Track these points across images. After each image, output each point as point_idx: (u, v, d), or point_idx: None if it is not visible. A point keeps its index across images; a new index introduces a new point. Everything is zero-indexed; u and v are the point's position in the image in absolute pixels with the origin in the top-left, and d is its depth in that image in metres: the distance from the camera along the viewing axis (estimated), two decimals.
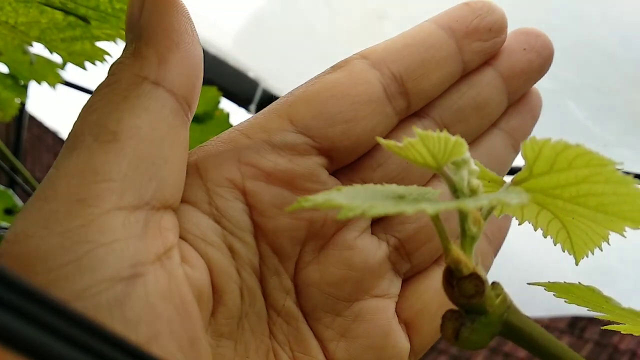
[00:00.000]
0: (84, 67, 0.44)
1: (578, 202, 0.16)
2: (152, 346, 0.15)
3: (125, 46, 0.18)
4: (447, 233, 0.15)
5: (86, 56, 0.42)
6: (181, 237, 0.18)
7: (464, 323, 0.14)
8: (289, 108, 0.20)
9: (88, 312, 0.14)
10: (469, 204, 0.13)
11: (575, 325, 2.05)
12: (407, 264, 0.22)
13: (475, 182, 0.16)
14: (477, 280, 0.14)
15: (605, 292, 0.18)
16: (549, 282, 0.19)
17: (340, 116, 0.20)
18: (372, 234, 0.22)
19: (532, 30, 0.24)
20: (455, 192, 0.15)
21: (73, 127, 0.17)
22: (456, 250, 0.15)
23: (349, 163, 0.21)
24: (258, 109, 0.83)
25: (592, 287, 0.17)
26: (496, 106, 0.24)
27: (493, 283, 0.15)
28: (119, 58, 0.18)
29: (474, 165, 0.16)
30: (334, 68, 0.22)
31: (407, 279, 0.23)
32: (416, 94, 0.22)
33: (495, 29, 0.23)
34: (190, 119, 0.19)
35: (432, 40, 0.22)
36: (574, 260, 0.19)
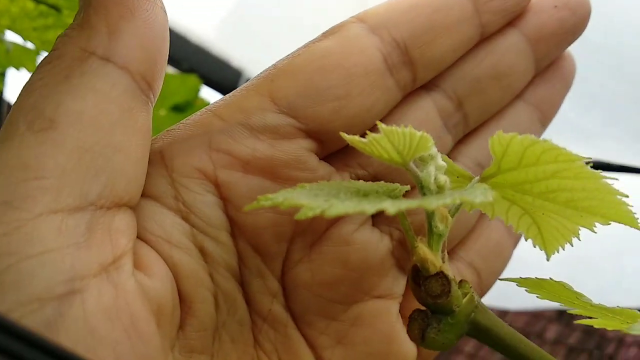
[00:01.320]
0: None
1: (547, 198, 0.16)
2: None
3: (75, 15, 0.16)
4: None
5: None
6: (140, 238, 0.15)
7: (430, 324, 0.14)
8: (270, 84, 0.17)
9: None
10: (432, 203, 0.13)
11: (563, 313, 2.06)
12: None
13: (442, 178, 0.15)
14: (443, 279, 0.14)
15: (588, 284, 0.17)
16: (520, 277, 0.19)
17: (330, 92, 0.17)
18: (372, 226, 0.19)
19: None
20: (422, 188, 0.15)
21: (9, 113, 0.15)
22: (423, 248, 0.15)
23: (343, 147, 0.18)
24: None
25: (563, 283, 0.17)
26: (521, 75, 0.20)
27: (461, 281, 0.15)
28: (65, 30, 0.16)
29: (441, 161, 0.16)
30: (325, 34, 0.18)
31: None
32: (423, 64, 0.19)
33: None
34: (154, 100, 0.16)
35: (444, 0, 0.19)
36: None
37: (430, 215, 0.15)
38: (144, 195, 0.16)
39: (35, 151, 0.14)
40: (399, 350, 0.18)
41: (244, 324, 0.17)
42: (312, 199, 0.13)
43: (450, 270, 0.14)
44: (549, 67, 0.21)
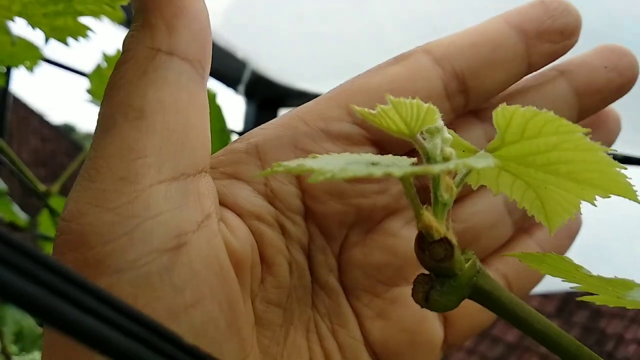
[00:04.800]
0: (66, 43, 0.44)
1: (549, 170, 0.16)
2: (197, 308, 0.16)
3: (134, 17, 0.19)
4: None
5: (69, 32, 0.42)
6: (236, 213, 0.19)
7: (433, 286, 0.15)
8: (348, 98, 0.21)
9: (140, 280, 0.16)
10: (435, 168, 0.13)
11: (563, 309, 2.07)
12: None
13: (448, 150, 0.16)
14: (447, 244, 0.15)
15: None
16: (522, 252, 0.19)
17: None
18: None
19: (618, 47, 0.23)
20: (428, 159, 0.16)
21: (102, 107, 0.18)
22: (428, 215, 0.15)
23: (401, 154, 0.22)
24: (247, 90, 0.83)
25: (564, 257, 0.17)
26: None
27: (464, 249, 0.16)
28: (129, 31, 0.18)
29: (447, 134, 0.16)
30: (397, 60, 0.22)
31: None
32: (476, 93, 0.22)
33: (568, 31, 0.22)
34: (207, 78, 0.19)
35: (500, 40, 0.22)
36: None
37: (435, 184, 0.16)
38: (241, 179, 0.20)
39: (134, 136, 0.17)
40: (427, 330, 0.22)
41: (307, 289, 0.20)
42: (323, 165, 0.14)
43: (454, 237, 0.15)
44: (595, 120, 0.24)
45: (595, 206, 0.17)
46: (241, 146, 0.20)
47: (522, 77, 0.22)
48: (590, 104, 0.23)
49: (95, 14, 0.36)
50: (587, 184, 0.16)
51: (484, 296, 0.15)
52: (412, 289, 0.15)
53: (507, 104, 0.21)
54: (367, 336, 0.21)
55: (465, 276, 0.15)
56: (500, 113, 0.15)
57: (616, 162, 0.15)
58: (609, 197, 0.16)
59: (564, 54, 0.23)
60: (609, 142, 0.24)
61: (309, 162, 0.14)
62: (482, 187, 0.20)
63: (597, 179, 0.16)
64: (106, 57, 0.51)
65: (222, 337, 0.17)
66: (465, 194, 0.23)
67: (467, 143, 0.18)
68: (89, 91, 0.52)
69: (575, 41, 0.23)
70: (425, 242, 0.15)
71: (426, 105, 0.15)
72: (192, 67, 0.18)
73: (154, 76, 0.18)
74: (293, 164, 0.14)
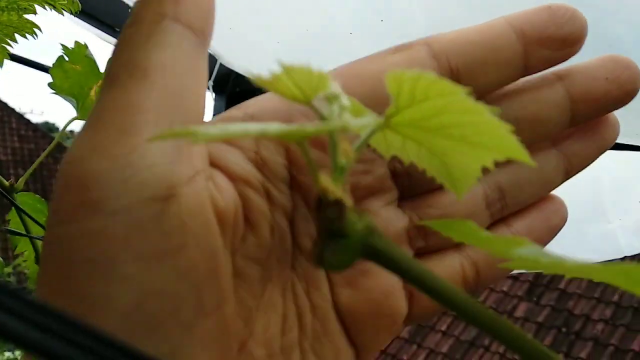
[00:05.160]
0: (14, 40, 0.44)
1: (444, 135, 0.17)
2: (182, 254, 0.17)
3: None
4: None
5: (14, 28, 0.42)
6: (226, 175, 0.20)
7: (327, 246, 0.15)
8: (344, 81, 0.21)
9: (133, 223, 0.17)
10: (307, 128, 0.14)
11: (532, 292, 2.11)
12: (422, 242, 0.24)
13: (347, 116, 0.16)
14: (340, 206, 0.15)
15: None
16: (434, 220, 0.20)
17: (389, 100, 0.22)
18: (398, 207, 0.24)
19: (623, 59, 0.23)
20: None
21: (109, 64, 0.19)
22: (325, 179, 0.16)
23: None
24: (215, 85, 0.83)
25: (471, 223, 0.18)
26: (554, 126, 0.24)
27: (362, 212, 0.16)
28: None
29: (345, 101, 0.17)
30: (397, 49, 0.23)
31: (421, 255, 0.24)
32: (469, 89, 0.22)
33: (571, 40, 0.22)
34: (207, 46, 0.21)
35: (500, 42, 0.22)
36: None
37: (332, 149, 0.16)
38: (233, 145, 0.21)
39: (137, 94, 0.18)
40: (392, 305, 0.23)
41: (288, 252, 0.22)
42: (209, 130, 0.14)
43: (349, 200, 0.16)
44: (592, 125, 0.24)
45: (492, 170, 0.18)
46: (238, 114, 0.22)
47: (517, 79, 0.23)
48: (585, 112, 0.24)
49: (32, 11, 0.36)
50: (480, 146, 0.17)
51: (378, 255, 0.16)
52: (310, 251, 0.16)
53: (500, 105, 0.22)
54: (336, 301, 0.22)
55: (358, 236, 0.15)
56: (392, 78, 0.16)
57: (503, 123, 0.16)
58: (504, 159, 0.17)
59: (564, 60, 0.23)
60: (602, 149, 0.24)
61: (206, 128, 0.14)
62: None
63: (488, 141, 0.16)
64: (66, 50, 0.51)
65: (202, 283, 0.18)
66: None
67: (367, 109, 0.18)
68: (52, 85, 0.52)
69: (578, 49, 0.23)
70: (322, 204, 0.16)
71: (317, 70, 0.15)
72: (194, 35, 0.20)
73: (158, 39, 0.19)
74: (186, 130, 0.14)
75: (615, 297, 1.99)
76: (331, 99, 0.16)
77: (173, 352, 0.17)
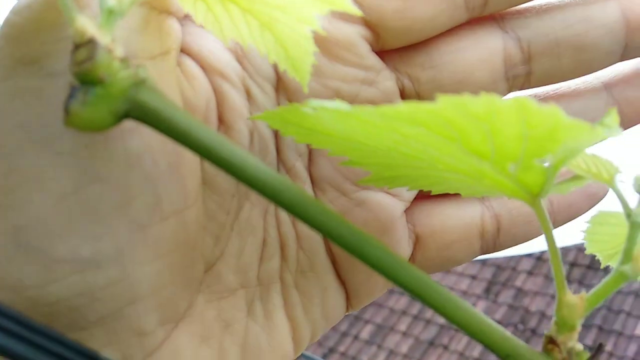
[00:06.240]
0: None
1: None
2: (134, 133, 0.15)
3: None
4: None
5: None
6: (199, 64, 0.17)
7: (74, 95, 0.12)
8: None
9: None
10: None
11: (490, 290, 2.14)
12: None
13: None
14: (92, 44, 0.12)
15: None
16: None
17: None
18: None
19: None
20: None
21: None
22: (83, 19, 0.12)
23: (398, 48, 0.19)
24: None
25: (299, 107, 0.15)
26: (603, 56, 0.19)
27: (138, 65, 0.13)
28: None
29: None
30: None
31: (437, 196, 0.21)
32: None
33: None
34: None
35: None
36: None
37: None
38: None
39: None
40: (391, 241, 0.20)
41: (271, 167, 0.19)
42: None
43: (107, 39, 0.12)
44: None
45: (321, 32, 0.15)
46: None
47: None
48: None
49: None
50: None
51: (150, 115, 0.12)
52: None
53: (539, 20, 0.18)
54: None
55: (118, 85, 0.12)
56: None
57: None
58: (329, 11, 0.14)
59: None
60: None
61: None
62: None
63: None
64: None
65: (160, 176, 0.15)
66: None
67: None
68: None
69: None
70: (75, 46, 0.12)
71: None
72: None
73: None
74: None
75: None
76: None
77: (120, 252, 0.15)
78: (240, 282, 0.18)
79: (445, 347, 2.06)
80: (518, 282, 2.11)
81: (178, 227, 0.16)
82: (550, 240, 0.14)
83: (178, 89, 0.17)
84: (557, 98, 0.21)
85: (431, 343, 2.11)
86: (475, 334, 0.13)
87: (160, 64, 0.16)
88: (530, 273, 2.14)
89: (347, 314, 0.21)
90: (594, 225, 0.16)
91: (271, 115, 0.15)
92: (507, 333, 0.13)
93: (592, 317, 1.93)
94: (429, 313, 2.16)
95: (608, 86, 0.20)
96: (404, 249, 0.20)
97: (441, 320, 2.12)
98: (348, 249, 0.12)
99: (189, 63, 0.17)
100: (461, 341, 2.03)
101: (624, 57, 0.20)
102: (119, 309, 0.15)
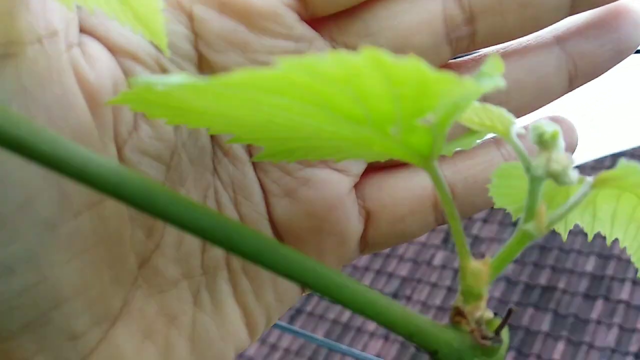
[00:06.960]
0: None
1: None
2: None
3: None
4: None
5: None
6: (107, 47, 0.16)
7: None
8: None
9: None
10: None
11: (448, 240, 2.21)
12: None
13: None
14: None
15: None
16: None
17: None
18: None
19: None
20: None
21: None
22: None
23: (330, 15, 0.18)
24: None
25: (149, 87, 0.13)
26: (551, 11, 0.18)
27: None
28: None
29: None
30: None
31: (387, 168, 0.20)
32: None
33: None
34: None
35: None
36: None
37: None
38: None
39: None
40: (338, 219, 0.19)
41: (205, 151, 0.18)
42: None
43: None
44: (605, 19, 0.19)
45: None
46: None
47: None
48: None
49: None
50: None
51: None
52: None
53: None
54: (272, 213, 0.19)
55: None
56: None
57: None
58: None
59: None
60: (622, 51, 0.19)
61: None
62: None
63: None
64: None
65: None
66: None
67: None
68: None
69: None
70: None
71: None
72: None
73: None
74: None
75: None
76: None
77: (32, 254, 0.14)
78: (182, 272, 0.17)
79: (409, 298, 2.12)
80: (474, 230, 2.17)
81: (95, 222, 0.15)
82: (448, 205, 0.13)
83: (71, 70, 0.15)
84: (506, 56, 0.19)
85: (395, 295, 2.16)
86: (374, 316, 0.12)
87: (47, 46, 0.15)
88: (485, 221, 2.21)
89: (304, 294, 0.20)
90: (498, 178, 0.15)
91: (130, 97, 0.13)
92: (409, 311, 0.12)
93: (545, 258, 2.01)
94: (390, 267, 2.21)
95: (560, 40, 0.19)
96: (354, 225, 0.19)
97: (403, 273, 2.17)
98: (207, 238, 0.11)
99: (91, 44, 0.16)
100: (422, 292, 2.10)
101: (573, 10, 0.18)
102: (42, 314, 0.14)
